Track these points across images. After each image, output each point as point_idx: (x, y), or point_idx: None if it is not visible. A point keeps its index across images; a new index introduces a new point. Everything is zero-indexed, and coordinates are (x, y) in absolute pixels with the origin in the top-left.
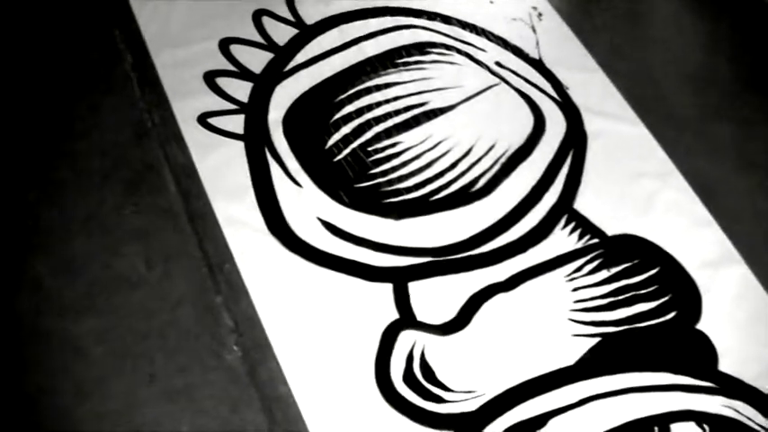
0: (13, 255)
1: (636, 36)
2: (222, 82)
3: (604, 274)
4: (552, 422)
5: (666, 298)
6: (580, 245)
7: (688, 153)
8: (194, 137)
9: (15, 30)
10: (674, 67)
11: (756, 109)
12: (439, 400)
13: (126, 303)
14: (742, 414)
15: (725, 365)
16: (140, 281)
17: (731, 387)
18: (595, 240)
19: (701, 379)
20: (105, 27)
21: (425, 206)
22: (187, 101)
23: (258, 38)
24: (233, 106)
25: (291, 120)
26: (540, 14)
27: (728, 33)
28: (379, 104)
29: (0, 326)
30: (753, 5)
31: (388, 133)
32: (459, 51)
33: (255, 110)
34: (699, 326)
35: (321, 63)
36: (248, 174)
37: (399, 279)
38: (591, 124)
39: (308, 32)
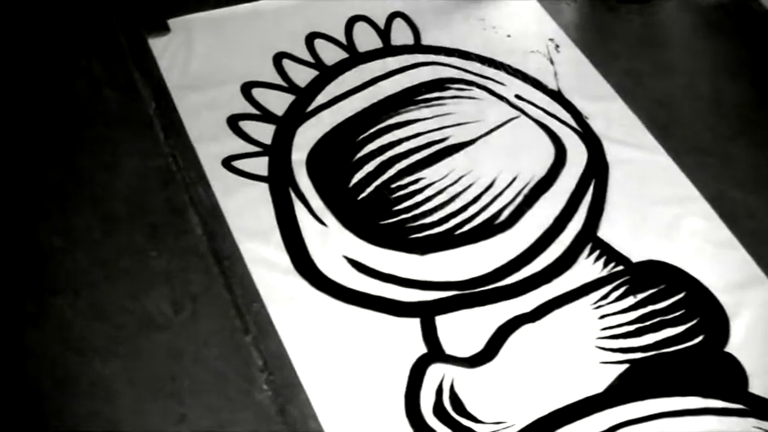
0: (38, 298)
1: (653, 62)
2: (245, 125)
3: (631, 300)
4: None
5: (694, 322)
6: (605, 273)
7: (709, 177)
8: (219, 179)
9: (36, 77)
10: (692, 91)
11: None
12: None
13: (153, 345)
14: None
15: (755, 387)
16: (168, 322)
17: (762, 408)
18: (620, 267)
19: (732, 401)
20: (127, 72)
21: (450, 240)
22: (211, 145)
23: (279, 80)
24: (257, 149)
25: (315, 160)
26: (557, 46)
27: (745, 56)
28: (400, 142)
29: (27, 367)
30: None
31: (411, 170)
32: (478, 86)
33: (279, 151)
34: (727, 348)
35: (342, 103)
36: (274, 214)
37: (426, 313)
38: (612, 152)
39: (328, 73)
